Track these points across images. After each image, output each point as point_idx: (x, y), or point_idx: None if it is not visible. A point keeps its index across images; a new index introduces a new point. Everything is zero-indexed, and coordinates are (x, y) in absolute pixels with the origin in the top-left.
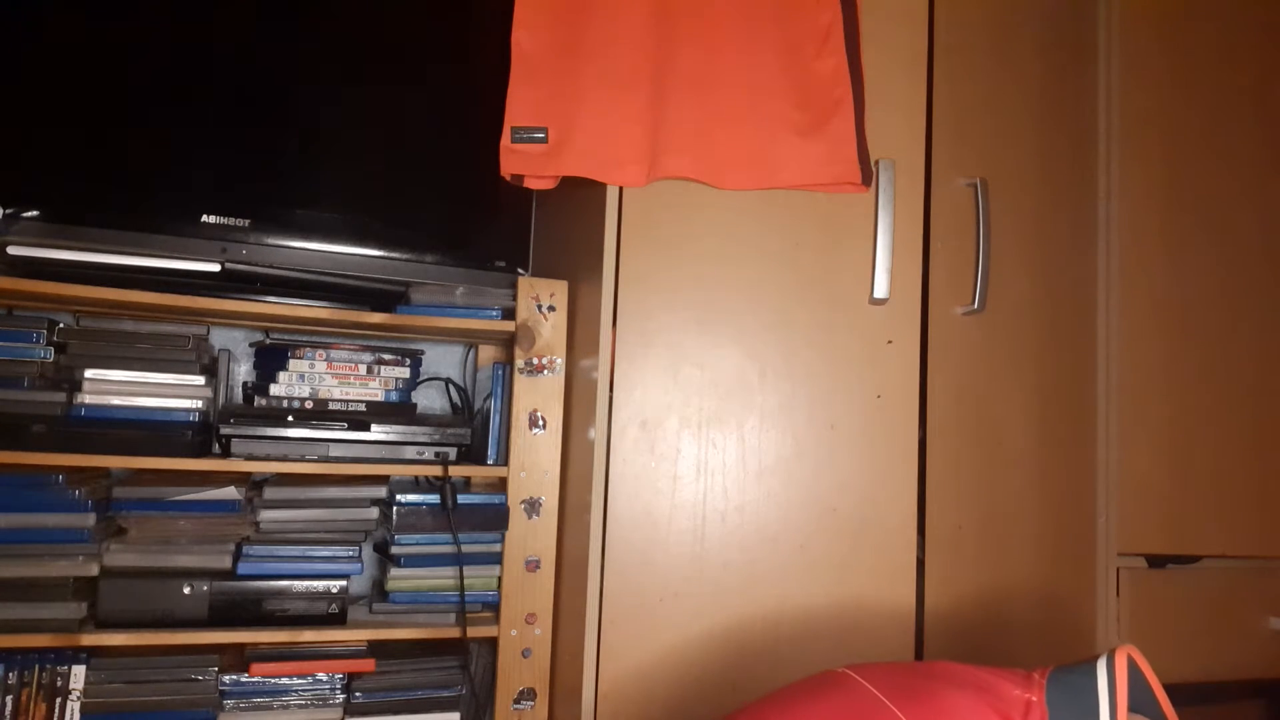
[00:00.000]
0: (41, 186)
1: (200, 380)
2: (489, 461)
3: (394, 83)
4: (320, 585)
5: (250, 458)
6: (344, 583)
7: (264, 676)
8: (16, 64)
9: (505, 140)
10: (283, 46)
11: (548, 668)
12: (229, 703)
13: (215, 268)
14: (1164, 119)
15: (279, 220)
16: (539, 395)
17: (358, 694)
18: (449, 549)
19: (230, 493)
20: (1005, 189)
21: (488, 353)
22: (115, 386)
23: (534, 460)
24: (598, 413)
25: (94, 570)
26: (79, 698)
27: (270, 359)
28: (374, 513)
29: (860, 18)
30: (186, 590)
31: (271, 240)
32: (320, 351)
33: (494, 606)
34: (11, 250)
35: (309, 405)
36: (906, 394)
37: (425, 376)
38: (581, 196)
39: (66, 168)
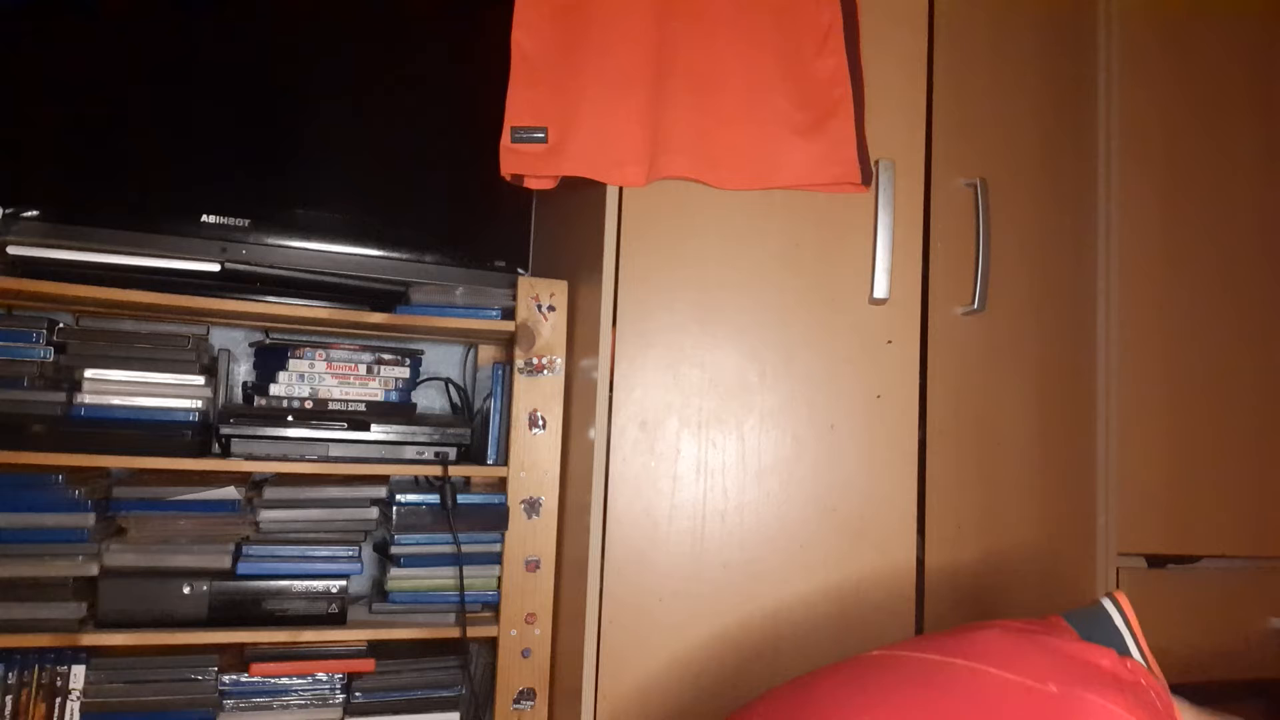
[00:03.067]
0: (41, 186)
1: (200, 380)
2: (489, 461)
3: (394, 82)
4: (320, 585)
5: (250, 458)
6: (344, 583)
7: (264, 676)
8: (17, 64)
9: (505, 140)
10: (283, 46)
11: (547, 668)
12: (229, 703)
13: (215, 268)
14: (1164, 119)
15: (279, 220)
16: (539, 395)
17: (357, 694)
18: (449, 549)
19: (230, 493)
20: (1005, 189)
21: (488, 353)
22: (115, 386)
23: (534, 460)
24: (598, 413)
25: (94, 570)
26: (79, 698)
27: (270, 359)
28: (374, 513)
29: (860, 17)
30: (186, 590)
31: (271, 240)
32: (320, 351)
33: (494, 606)
34: (11, 250)
35: (309, 405)
36: (906, 394)
37: (425, 376)
38: (581, 196)
39: (66, 168)
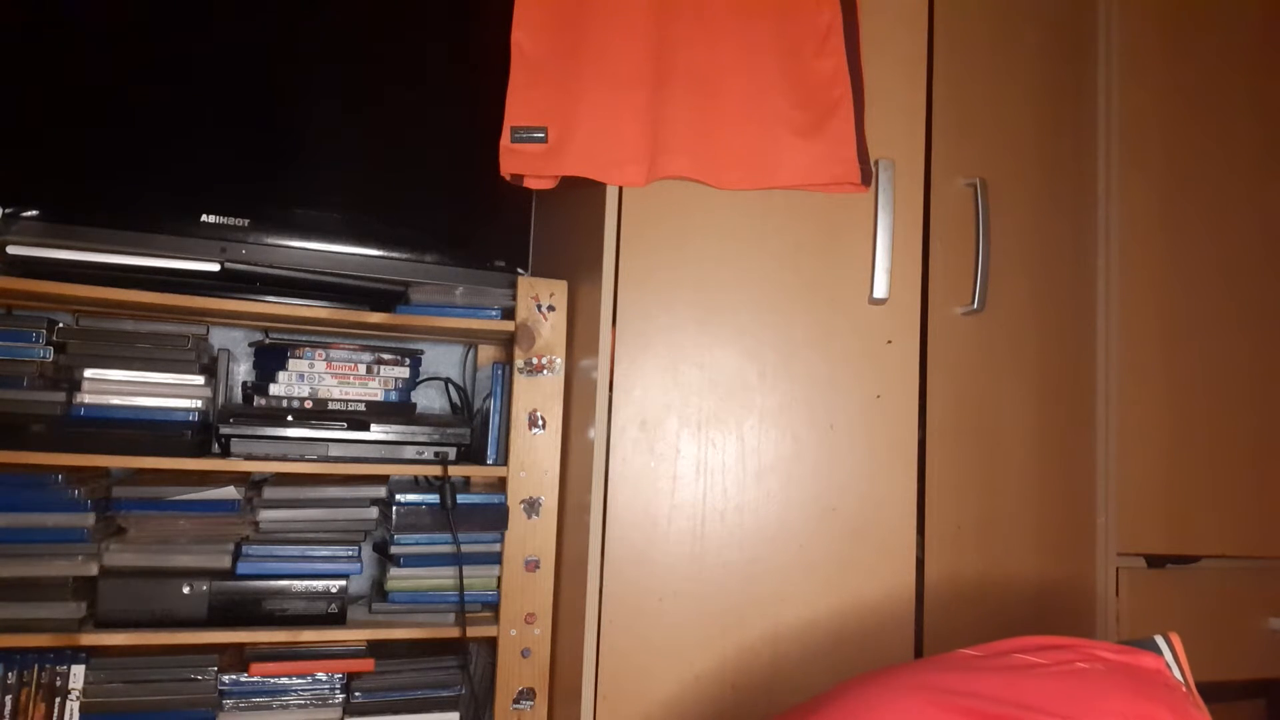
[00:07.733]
0: (41, 186)
1: (200, 380)
2: (489, 461)
3: (394, 82)
4: (320, 585)
5: (250, 457)
6: (343, 582)
7: (263, 676)
8: (16, 64)
9: (505, 140)
10: (283, 45)
11: (547, 668)
12: (228, 702)
13: (215, 267)
14: (1164, 119)
15: (278, 220)
16: (539, 395)
17: (357, 694)
18: (448, 549)
19: (230, 492)
20: (1005, 189)
21: (487, 352)
22: (115, 386)
23: (534, 460)
24: (597, 413)
25: (93, 570)
26: (78, 697)
27: (270, 359)
28: (374, 513)
29: (860, 18)
30: (186, 590)
31: (271, 240)
32: (320, 351)
33: (493, 606)
34: (11, 250)
35: (308, 405)
36: (906, 394)
37: (425, 376)
38: (581, 196)
39: (66, 167)
